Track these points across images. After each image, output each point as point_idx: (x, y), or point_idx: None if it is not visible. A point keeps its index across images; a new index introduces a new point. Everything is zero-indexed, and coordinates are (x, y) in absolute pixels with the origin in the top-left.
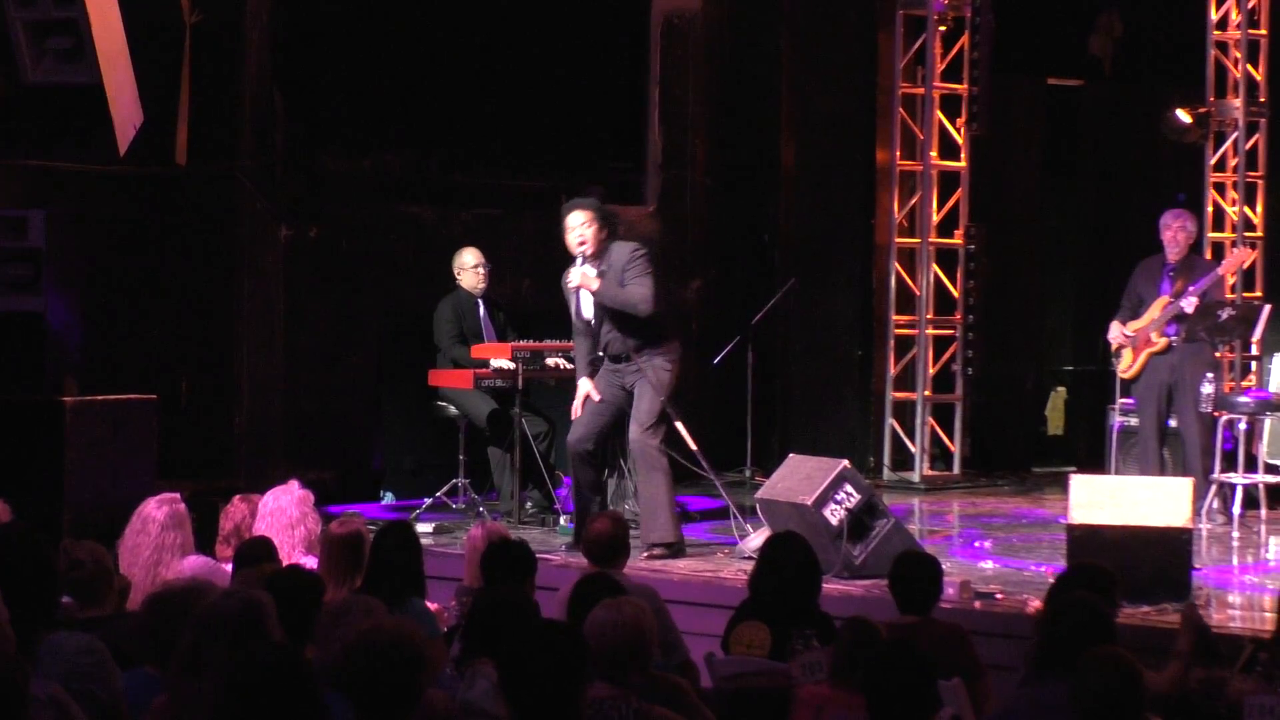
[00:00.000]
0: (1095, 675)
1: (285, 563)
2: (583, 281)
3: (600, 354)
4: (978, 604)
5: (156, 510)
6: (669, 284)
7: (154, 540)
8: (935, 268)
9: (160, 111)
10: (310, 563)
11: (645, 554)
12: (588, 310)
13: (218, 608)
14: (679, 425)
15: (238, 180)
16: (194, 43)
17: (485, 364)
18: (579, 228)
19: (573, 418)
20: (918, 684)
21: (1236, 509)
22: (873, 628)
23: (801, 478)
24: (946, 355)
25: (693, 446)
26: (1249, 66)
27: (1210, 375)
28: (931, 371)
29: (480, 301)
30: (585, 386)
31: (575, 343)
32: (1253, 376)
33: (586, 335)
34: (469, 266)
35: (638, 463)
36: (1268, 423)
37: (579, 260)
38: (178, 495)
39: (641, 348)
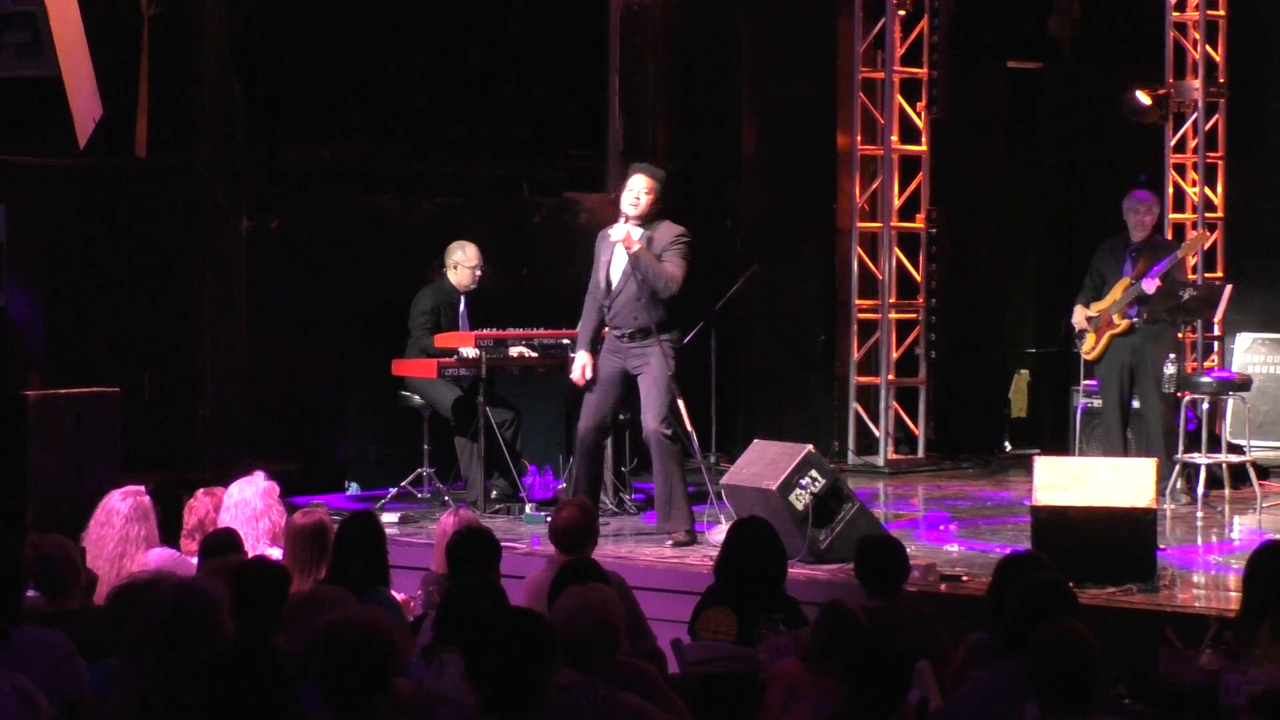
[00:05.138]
0: (1049, 648)
1: (250, 554)
2: (625, 238)
3: (606, 328)
4: (944, 587)
5: (121, 503)
6: (693, 275)
7: (118, 533)
8: (897, 252)
9: (119, 104)
10: (275, 554)
11: (669, 543)
12: (615, 274)
13: (161, 603)
14: (680, 403)
15: (198, 172)
16: (152, 35)
17: (450, 353)
18: (638, 190)
19: (576, 381)
20: (894, 670)
21: (1200, 489)
22: (852, 612)
23: (766, 463)
24: (910, 339)
25: (689, 428)
26: (1208, 48)
27: (1172, 356)
28: (895, 355)
29: (464, 297)
30: (583, 359)
31: (585, 310)
32: (1215, 357)
33: (598, 304)
34: (467, 264)
35: (653, 453)
36: (1230, 403)
37: (623, 220)
38: (142, 488)
39: (649, 328)
